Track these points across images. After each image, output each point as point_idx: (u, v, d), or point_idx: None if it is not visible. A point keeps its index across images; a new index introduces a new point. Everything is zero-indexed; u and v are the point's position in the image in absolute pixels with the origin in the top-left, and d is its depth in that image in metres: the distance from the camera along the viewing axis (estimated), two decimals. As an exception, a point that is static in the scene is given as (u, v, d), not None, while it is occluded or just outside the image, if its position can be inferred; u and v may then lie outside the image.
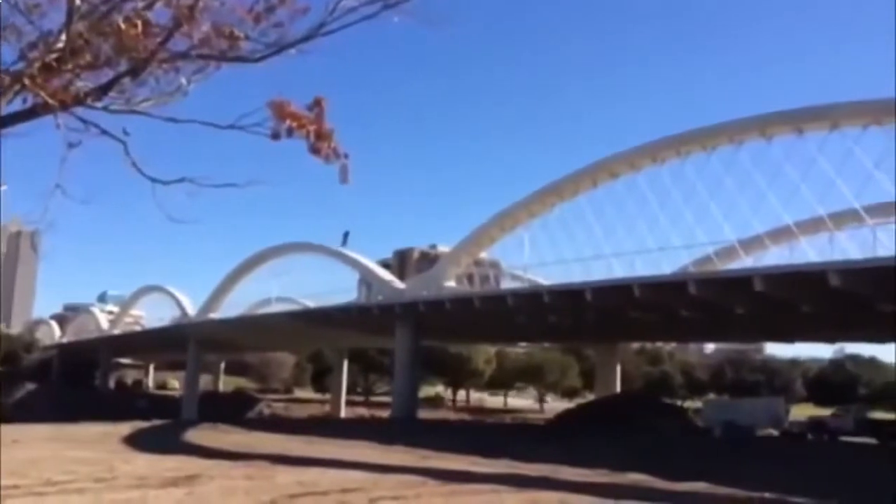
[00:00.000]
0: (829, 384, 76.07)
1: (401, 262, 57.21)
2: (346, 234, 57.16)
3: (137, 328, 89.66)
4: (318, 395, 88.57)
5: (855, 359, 79.66)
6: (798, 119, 32.91)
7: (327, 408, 76.00)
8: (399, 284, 50.82)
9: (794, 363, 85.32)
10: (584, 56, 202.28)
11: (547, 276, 44.70)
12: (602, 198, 41.89)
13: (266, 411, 75.34)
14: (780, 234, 36.62)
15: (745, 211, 35.77)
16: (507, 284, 49.49)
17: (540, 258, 45.31)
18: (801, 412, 62.50)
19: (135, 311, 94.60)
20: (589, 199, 42.42)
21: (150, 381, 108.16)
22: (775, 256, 37.08)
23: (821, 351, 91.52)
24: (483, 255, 50.10)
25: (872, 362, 79.23)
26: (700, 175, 37.07)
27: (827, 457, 28.30)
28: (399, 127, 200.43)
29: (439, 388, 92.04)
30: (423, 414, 56.46)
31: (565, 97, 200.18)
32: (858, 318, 34.66)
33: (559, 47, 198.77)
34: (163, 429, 41.13)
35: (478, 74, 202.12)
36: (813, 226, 34.79)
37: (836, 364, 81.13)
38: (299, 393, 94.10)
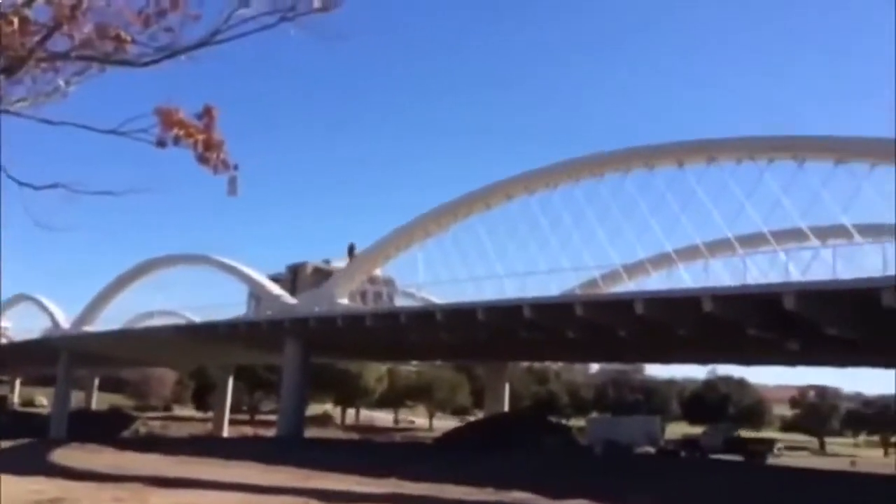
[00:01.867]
0: (701, 404, 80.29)
1: (293, 277, 55.91)
2: (351, 247, 52.70)
3: (3, 340, 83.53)
4: (200, 414, 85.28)
5: (726, 380, 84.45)
6: (679, 152, 34.83)
7: (209, 426, 73.23)
8: (290, 300, 49.82)
9: (670, 383, 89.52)
10: (485, 73, 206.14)
11: (440, 295, 45.11)
12: (496, 219, 42.85)
13: (142, 430, 71.77)
14: (661, 260, 38.49)
15: (629, 237, 37.41)
16: (400, 302, 49.51)
17: (434, 277, 45.78)
18: (677, 430, 65.57)
19: (0, 323, 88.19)
20: (483, 219, 43.27)
21: (16, 397, 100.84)
22: (656, 281, 38.97)
23: (695, 372, 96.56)
24: (378, 272, 49.96)
25: (741, 383, 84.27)
26: (589, 200, 38.53)
27: (698, 473, 29.72)
28: (296, 139, 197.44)
29: (328, 406, 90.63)
30: (311, 433, 55.39)
31: (462, 117, 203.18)
32: (729, 342, 36.66)
33: (461, 64, 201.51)
34: (28, 448, 38.48)
35: (375, 90, 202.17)
36: (690, 253, 36.75)
37: (709, 384, 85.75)
38: (180, 411, 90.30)
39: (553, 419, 63.45)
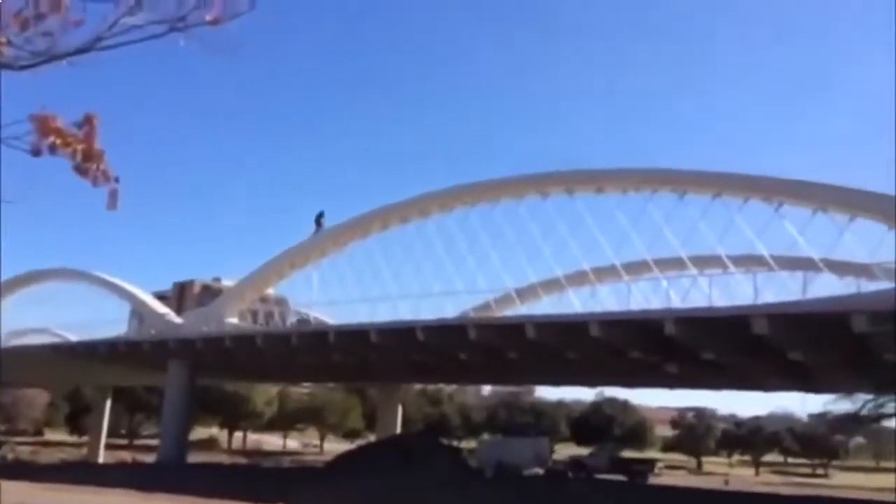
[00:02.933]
0: (588, 425, 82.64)
1: (180, 295, 53.76)
2: (320, 216, 45.49)
3: None
4: (73, 438, 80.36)
5: (612, 402, 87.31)
6: (569, 180, 36.04)
7: (84, 452, 69.08)
8: (176, 319, 47.92)
9: (560, 405, 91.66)
10: (387, 87, 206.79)
11: (334, 316, 44.58)
12: (393, 240, 42.90)
13: (10, 456, 66.80)
14: (551, 284, 39.56)
15: (522, 261, 38.24)
16: (293, 323, 48.51)
17: (329, 297, 45.22)
18: (566, 451, 67.14)
19: None
20: (380, 240, 43.22)
21: None
22: (546, 305, 39.99)
23: (584, 394, 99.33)
24: (270, 291, 48.85)
25: (626, 405, 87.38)
26: (484, 225, 39.19)
27: (583, 493, 30.55)
28: (185, 151, 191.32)
29: (214, 430, 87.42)
30: (195, 458, 53.25)
31: (364, 131, 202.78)
32: (615, 365, 37.96)
33: (362, 76, 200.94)
34: None
35: (268, 100, 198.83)
36: (579, 278, 37.98)
37: (596, 406, 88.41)
38: (51, 435, 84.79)
39: (445, 441, 63.66)
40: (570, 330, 31.81)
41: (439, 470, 38.72)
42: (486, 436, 77.67)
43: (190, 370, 46.00)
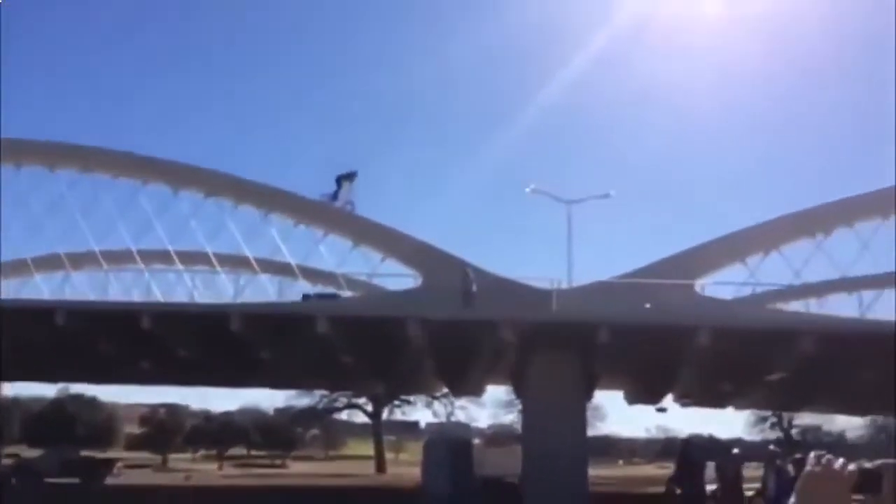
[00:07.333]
0: (46, 424, 75.45)
1: None
2: (347, 177, 32.10)
3: None
4: None
5: (77, 398, 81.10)
6: (53, 154, 32.40)
7: None
8: None
9: (15, 403, 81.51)
10: None
11: None
12: None
13: None
14: (17, 267, 34.98)
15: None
16: None
17: None
18: (21, 454, 59.43)
19: None
20: None
21: None
22: (8, 290, 35.01)
23: (46, 390, 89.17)
24: None
25: (93, 402, 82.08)
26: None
27: (23, 502, 27.71)
28: None
29: None
30: None
31: None
32: (84, 359, 35.28)
33: None
34: None
35: None
36: (50, 263, 34.62)
37: (57, 404, 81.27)
38: None
39: None
40: (33, 318, 28.57)
41: None
42: None
43: None
